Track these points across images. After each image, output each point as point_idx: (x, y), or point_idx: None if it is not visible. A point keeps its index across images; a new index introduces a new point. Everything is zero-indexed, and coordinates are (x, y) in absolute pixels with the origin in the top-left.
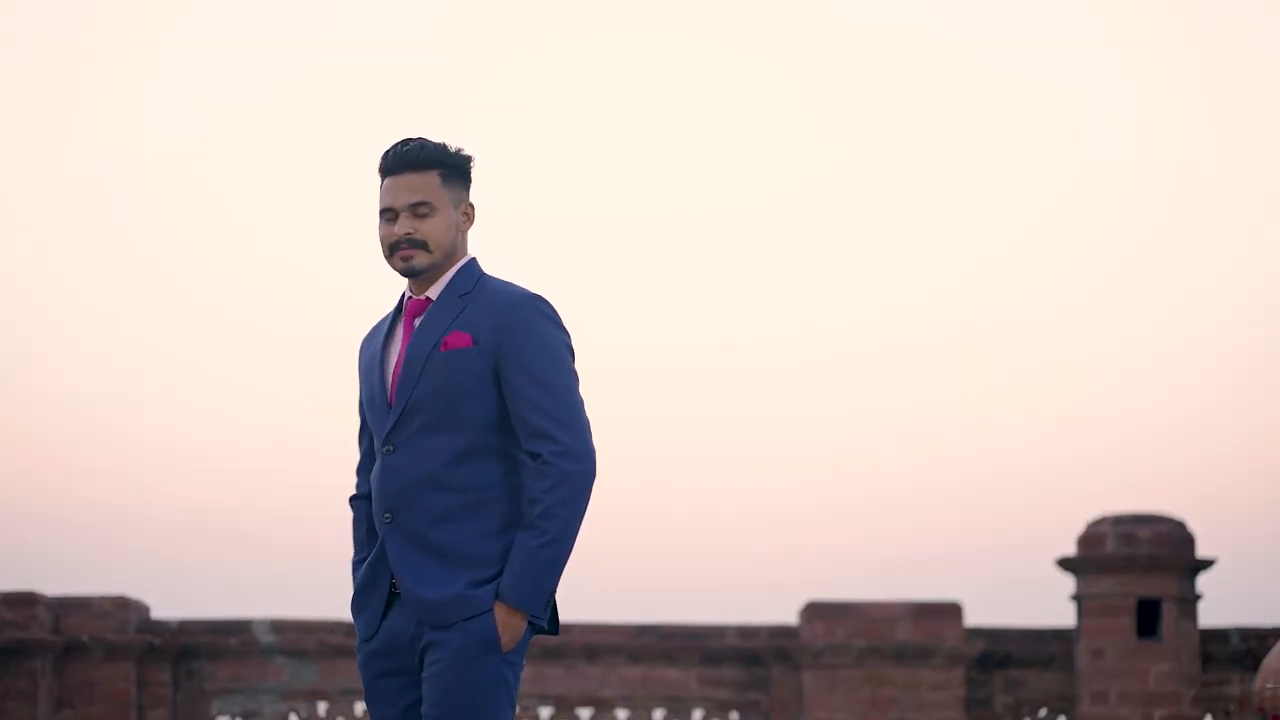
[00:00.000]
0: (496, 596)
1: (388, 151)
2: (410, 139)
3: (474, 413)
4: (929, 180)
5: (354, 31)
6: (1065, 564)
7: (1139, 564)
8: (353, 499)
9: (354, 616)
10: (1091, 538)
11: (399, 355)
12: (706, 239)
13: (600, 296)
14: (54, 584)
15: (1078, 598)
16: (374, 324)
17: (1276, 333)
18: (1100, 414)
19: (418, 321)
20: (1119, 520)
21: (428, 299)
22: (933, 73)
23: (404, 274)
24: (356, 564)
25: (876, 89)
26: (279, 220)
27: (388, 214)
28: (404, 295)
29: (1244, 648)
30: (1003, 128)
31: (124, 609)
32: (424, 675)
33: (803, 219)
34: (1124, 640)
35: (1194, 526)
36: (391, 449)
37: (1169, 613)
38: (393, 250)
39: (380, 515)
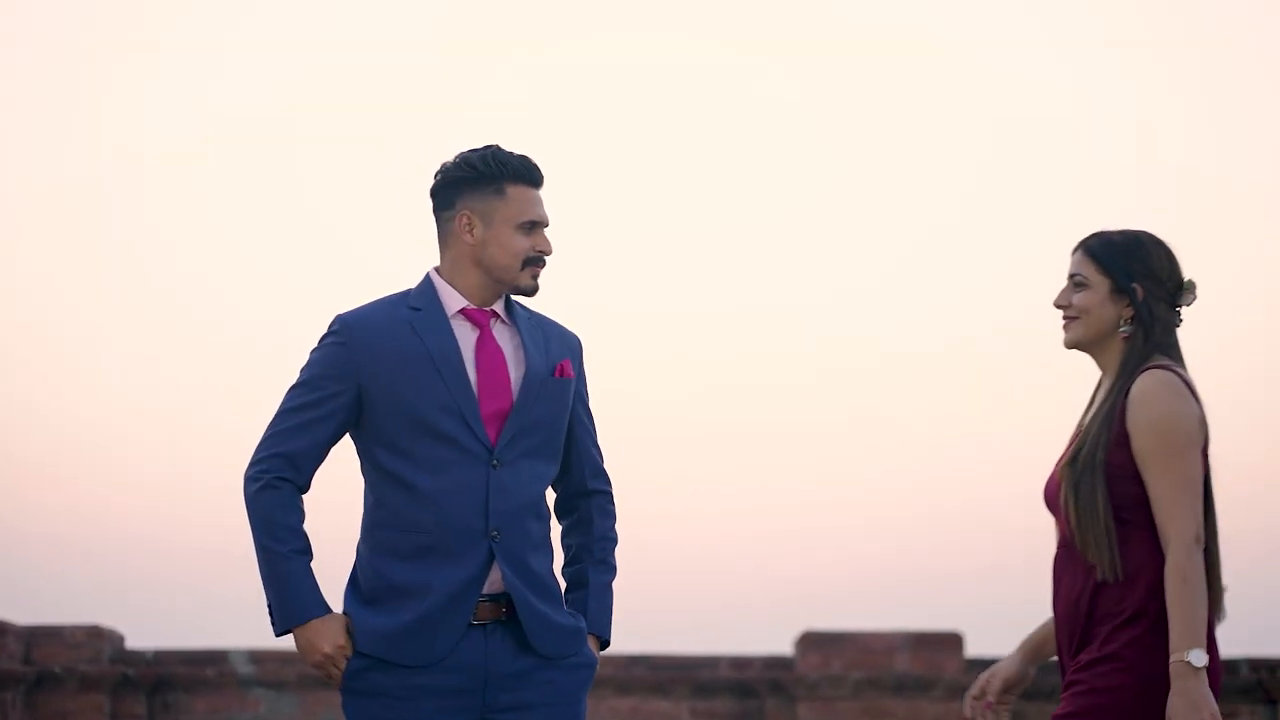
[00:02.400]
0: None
1: (518, 159)
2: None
3: (560, 444)
4: (926, 188)
5: (354, 31)
6: None
7: None
8: (279, 479)
9: (405, 634)
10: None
11: (497, 367)
12: (706, 247)
13: (590, 306)
14: (24, 613)
15: None
16: (357, 312)
17: None
18: None
19: (506, 337)
20: None
21: (493, 312)
22: (930, 73)
23: (526, 292)
24: (293, 554)
25: (872, 90)
26: (274, 233)
27: (536, 226)
28: (428, 291)
29: (1254, 679)
30: (1001, 129)
31: (97, 639)
32: (523, 704)
33: (801, 228)
34: None
35: None
36: (498, 465)
37: None
38: (526, 264)
39: (484, 532)
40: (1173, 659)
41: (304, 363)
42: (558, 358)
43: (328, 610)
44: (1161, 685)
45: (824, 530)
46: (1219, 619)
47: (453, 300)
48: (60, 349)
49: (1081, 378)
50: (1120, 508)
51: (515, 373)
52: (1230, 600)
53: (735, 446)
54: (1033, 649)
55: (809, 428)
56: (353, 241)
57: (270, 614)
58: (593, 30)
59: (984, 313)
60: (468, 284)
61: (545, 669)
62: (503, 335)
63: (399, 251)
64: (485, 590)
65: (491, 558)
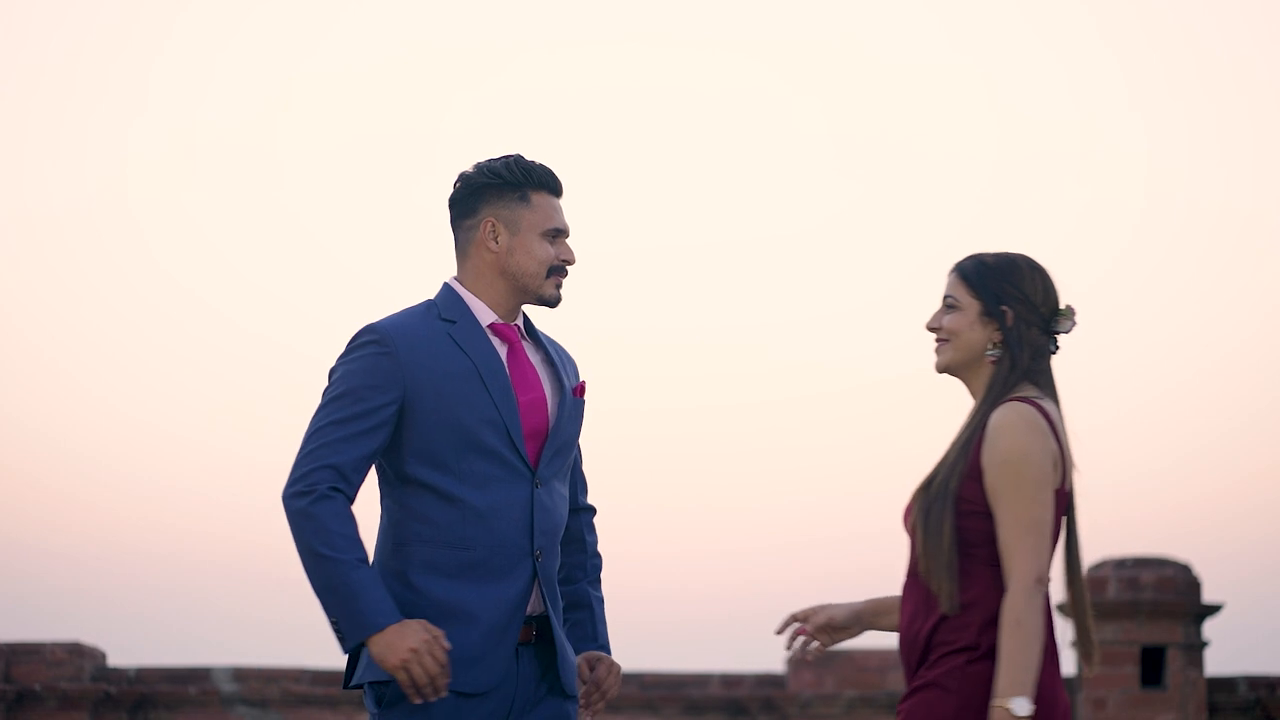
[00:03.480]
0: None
1: (541, 167)
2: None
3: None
4: (931, 214)
5: (353, 33)
6: (1065, 610)
7: (1142, 609)
8: (332, 489)
9: (466, 662)
10: (1092, 582)
11: (533, 384)
12: (703, 265)
13: (578, 325)
14: (4, 629)
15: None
16: (391, 322)
17: None
18: (1102, 452)
19: (535, 355)
20: (1121, 564)
21: (518, 328)
22: (938, 103)
23: (549, 302)
24: (359, 563)
25: (880, 119)
26: (261, 243)
27: (559, 235)
28: (457, 303)
29: (1253, 697)
30: (1007, 157)
31: (78, 656)
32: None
33: (802, 251)
34: (1127, 689)
35: (1200, 570)
36: (539, 484)
37: (1174, 661)
38: (550, 273)
39: (529, 552)
40: (995, 704)
41: (335, 374)
42: (574, 377)
43: (400, 617)
44: (981, 709)
45: (816, 547)
46: (1091, 666)
47: (483, 313)
48: (38, 362)
49: (1068, 399)
50: (967, 541)
51: (550, 391)
52: (1228, 618)
53: (727, 464)
54: (871, 610)
55: (803, 445)
56: (346, 247)
57: (336, 628)
58: (596, 31)
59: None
60: (493, 296)
61: (555, 696)
62: (531, 352)
63: (394, 262)
64: (526, 611)
65: (534, 578)
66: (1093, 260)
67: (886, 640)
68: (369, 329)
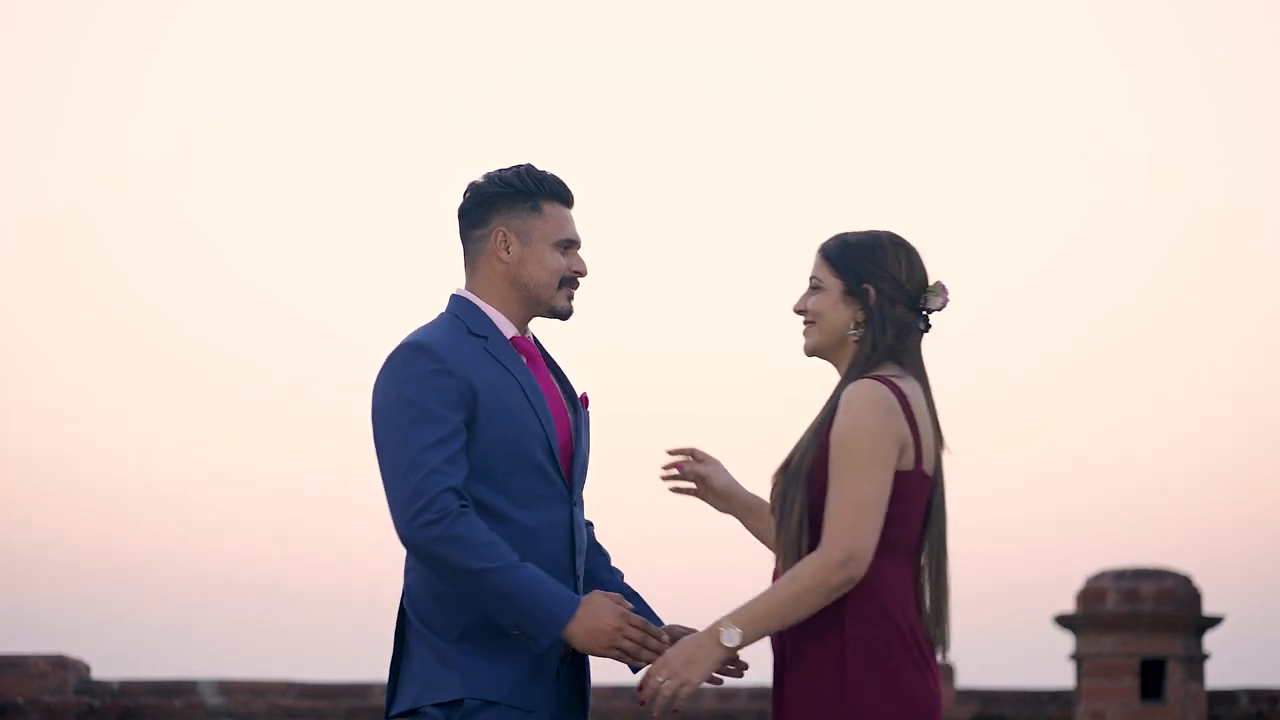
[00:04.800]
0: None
1: (553, 177)
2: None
3: None
4: (931, 214)
5: (353, 33)
6: (1063, 621)
7: (1142, 621)
8: (463, 507)
9: (528, 679)
10: (1091, 593)
11: (556, 399)
12: (703, 266)
13: (583, 326)
14: None
15: (1077, 657)
16: (434, 339)
17: None
18: (1101, 461)
19: (547, 369)
20: (1121, 575)
21: (531, 339)
22: (939, 103)
23: (561, 314)
24: (523, 563)
25: (880, 119)
26: (262, 245)
27: (571, 245)
28: (480, 316)
29: (1254, 710)
30: (1008, 160)
31: (62, 669)
32: None
33: (802, 252)
34: (1126, 703)
35: (1201, 581)
36: (575, 503)
37: (1174, 673)
38: (562, 284)
39: (572, 571)
40: (714, 624)
41: (394, 396)
42: (572, 388)
43: (578, 599)
44: (840, 693)
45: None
46: (941, 654)
47: (506, 327)
48: (13, 374)
49: (1061, 406)
50: (819, 521)
51: (567, 406)
52: (1229, 630)
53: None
54: (745, 502)
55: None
56: (346, 247)
57: (521, 632)
58: (596, 33)
59: (975, 347)
60: (506, 308)
61: (574, 713)
62: (545, 366)
63: (394, 262)
64: None
65: None
66: (1093, 260)
67: None
68: (420, 347)
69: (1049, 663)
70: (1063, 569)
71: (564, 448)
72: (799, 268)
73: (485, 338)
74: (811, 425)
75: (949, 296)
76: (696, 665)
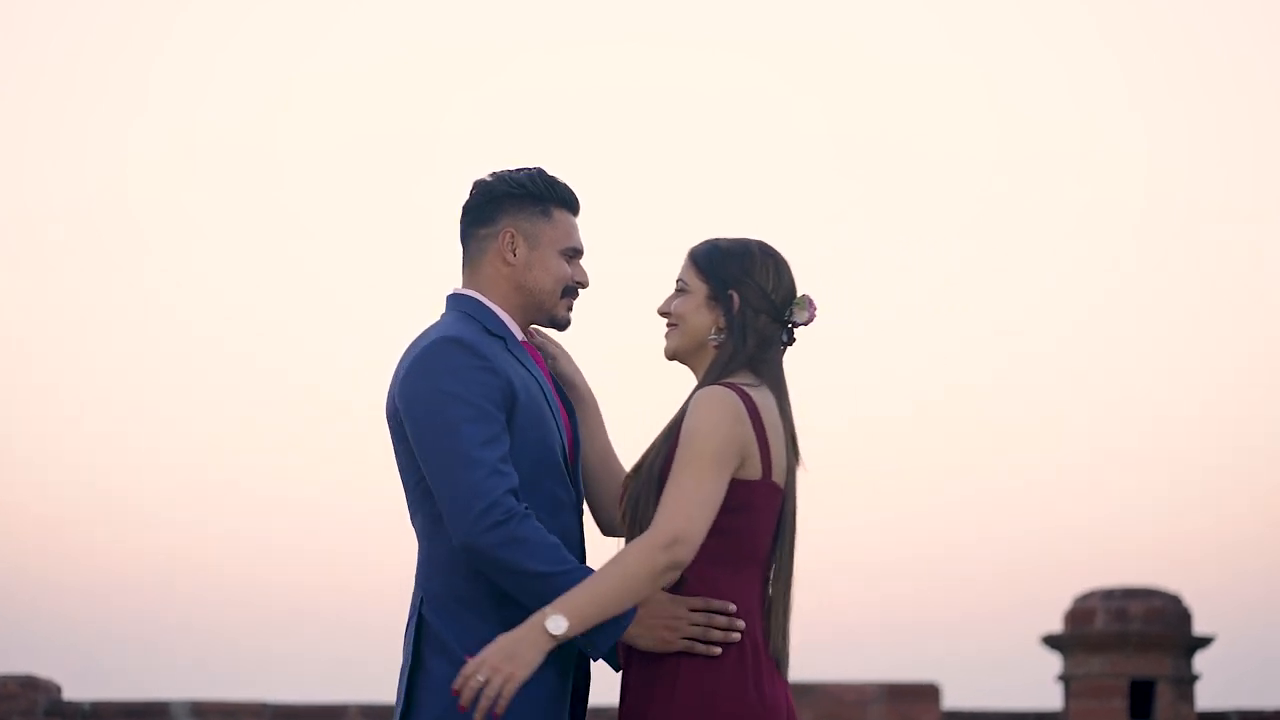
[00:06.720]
0: None
1: (563, 184)
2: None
3: None
4: (931, 214)
5: (353, 33)
6: (1051, 641)
7: (1131, 642)
8: (526, 509)
9: (551, 690)
10: (1080, 613)
11: (558, 401)
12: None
13: (582, 327)
14: None
15: (1065, 678)
16: (467, 336)
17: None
18: (1089, 480)
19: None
20: (1109, 594)
21: (536, 345)
22: (939, 103)
23: (560, 324)
24: (582, 567)
25: (880, 119)
26: (258, 266)
27: (576, 255)
28: (493, 317)
29: None
30: (1008, 160)
31: (32, 689)
32: None
33: (802, 252)
34: None
35: (1190, 601)
36: (581, 512)
37: (1164, 694)
38: (564, 293)
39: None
40: (539, 613)
41: (439, 394)
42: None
43: None
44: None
45: (796, 579)
46: (781, 668)
47: (515, 329)
48: (36, 364)
49: (1054, 427)
50: None
51: (567, 412)
52: (1219, 651)
53: None
54: (589, 423)
55: None
56: (346, 247)
57: (588, 635)
58: (596, 35)
59: (966, 369)
60: (510, 310)
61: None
62: (547, 371)
63: (394, 263)
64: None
65: None
66: (1092, 260)
67: (866, 672)
68: (459, 342)
69: (1037, 684)
70: (1051, 589)
71: (569, 454)
72: (799, 268)
73: (503, 338)
74: (664, 429)
75: (815, 311)
76: (520, 658)
